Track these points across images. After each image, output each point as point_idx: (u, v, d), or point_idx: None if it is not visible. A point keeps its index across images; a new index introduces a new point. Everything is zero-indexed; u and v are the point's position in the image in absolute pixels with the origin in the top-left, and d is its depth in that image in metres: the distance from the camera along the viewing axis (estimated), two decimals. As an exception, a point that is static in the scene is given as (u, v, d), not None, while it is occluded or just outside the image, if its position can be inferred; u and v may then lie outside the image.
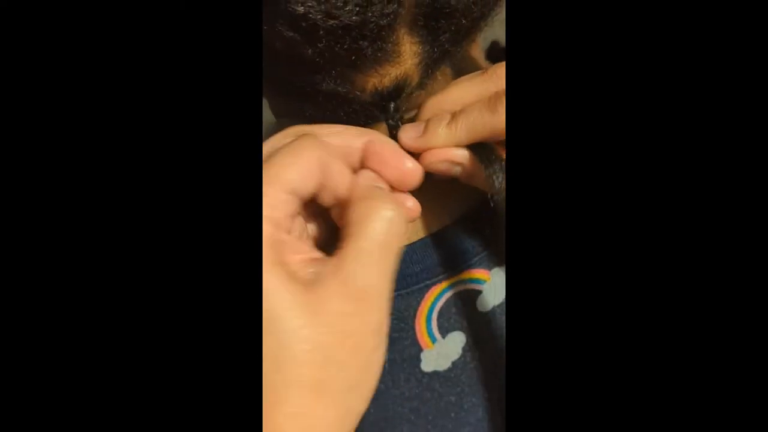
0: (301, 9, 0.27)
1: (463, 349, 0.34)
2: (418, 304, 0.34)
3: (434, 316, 0.34)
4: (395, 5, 0.28)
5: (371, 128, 0.32)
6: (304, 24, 0.27)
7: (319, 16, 0.27)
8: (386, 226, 0.27)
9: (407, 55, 0.30)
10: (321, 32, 0.27)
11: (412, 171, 0.30)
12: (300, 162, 0.27)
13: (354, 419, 0.27)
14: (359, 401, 0.27)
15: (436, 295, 0.34)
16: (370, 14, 0.27)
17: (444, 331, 0.34)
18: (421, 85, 0.32)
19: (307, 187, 0.27)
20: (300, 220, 0.30)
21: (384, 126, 0.33)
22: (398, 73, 0.31)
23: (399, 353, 0.34)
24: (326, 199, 0.29)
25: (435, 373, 0.33)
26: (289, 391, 0.24)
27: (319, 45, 0.28)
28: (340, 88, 0.31)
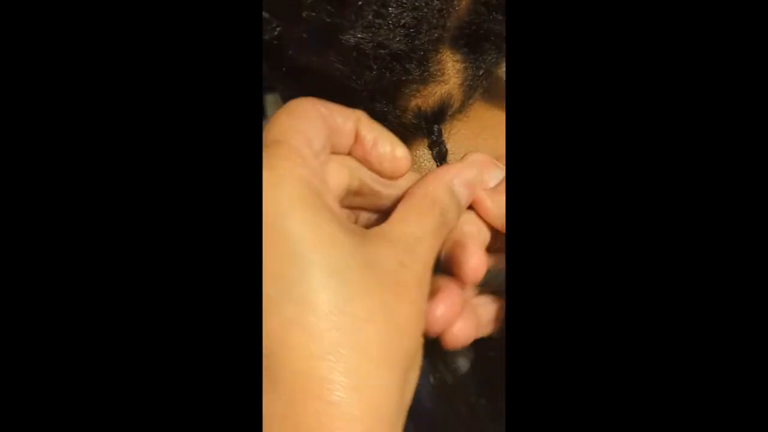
0: (352, 40, 0.27)
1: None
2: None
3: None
4: (440, 30, 0.28)
5: (411, 150, 0.31)
6: (355, 54, 0.28)
7: (369, 46, 0.28)
8: (453, 207, 0.26)
9: (450, 72, 0.31)
10: (370, 61, 0.28)
11: (401, 160, 0.27)
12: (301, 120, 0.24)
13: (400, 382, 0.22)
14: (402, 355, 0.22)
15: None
16: (417, 42, 0.28)
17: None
18: (462, 107, 0.33)
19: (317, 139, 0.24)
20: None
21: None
22: (442, 92, 0.31)
23: None
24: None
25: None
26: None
27: (368, 74, 0.29)
28: (379, 107, 0.31)
